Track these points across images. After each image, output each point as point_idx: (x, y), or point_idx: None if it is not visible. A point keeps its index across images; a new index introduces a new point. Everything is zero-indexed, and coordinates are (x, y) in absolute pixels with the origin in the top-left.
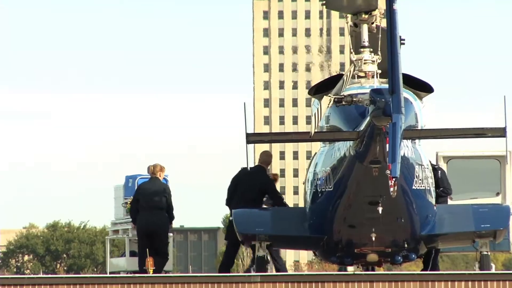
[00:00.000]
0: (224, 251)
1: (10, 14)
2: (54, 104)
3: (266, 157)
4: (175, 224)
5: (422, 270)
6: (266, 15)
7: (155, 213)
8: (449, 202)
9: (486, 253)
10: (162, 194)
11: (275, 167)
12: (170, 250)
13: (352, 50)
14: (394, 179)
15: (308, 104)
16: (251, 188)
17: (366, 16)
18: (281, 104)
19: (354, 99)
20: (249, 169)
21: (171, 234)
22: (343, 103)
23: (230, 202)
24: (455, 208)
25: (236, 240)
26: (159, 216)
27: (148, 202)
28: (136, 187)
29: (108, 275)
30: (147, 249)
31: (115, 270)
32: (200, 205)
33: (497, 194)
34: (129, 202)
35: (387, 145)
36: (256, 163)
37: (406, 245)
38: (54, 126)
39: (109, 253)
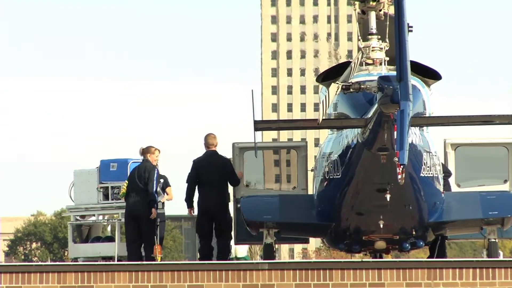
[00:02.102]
0: (200, 246)
1: None
2: (62, 89)
3: (212, 140)
4: (183, 211)
5: (428, 257)
6: (274, 2)
7: (139, 196)
8: (457, 189)
9: (494, 240)
10: (145, 176)
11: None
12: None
13: (360, 37)
14: (402, 166)
15: (316, 91)
16: (215, 172)
17: (374, 3)
18: (289, 92)
19: (362, 86)
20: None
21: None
22: (351, 90)
23: (191, 197)
24: (463, 196)
25: (208, 231)
26: (141, 199)
27: (133, 185)
28: (126, 171)
29: (116, 262)
30: (155, 237)
31: (89, 255)
32: None
33: (505, 181)
34: (124, 186)
35: (395, 132)
36: (206, 149)
37: (414, 233)
38: (56, 115)
39: (72, 238)
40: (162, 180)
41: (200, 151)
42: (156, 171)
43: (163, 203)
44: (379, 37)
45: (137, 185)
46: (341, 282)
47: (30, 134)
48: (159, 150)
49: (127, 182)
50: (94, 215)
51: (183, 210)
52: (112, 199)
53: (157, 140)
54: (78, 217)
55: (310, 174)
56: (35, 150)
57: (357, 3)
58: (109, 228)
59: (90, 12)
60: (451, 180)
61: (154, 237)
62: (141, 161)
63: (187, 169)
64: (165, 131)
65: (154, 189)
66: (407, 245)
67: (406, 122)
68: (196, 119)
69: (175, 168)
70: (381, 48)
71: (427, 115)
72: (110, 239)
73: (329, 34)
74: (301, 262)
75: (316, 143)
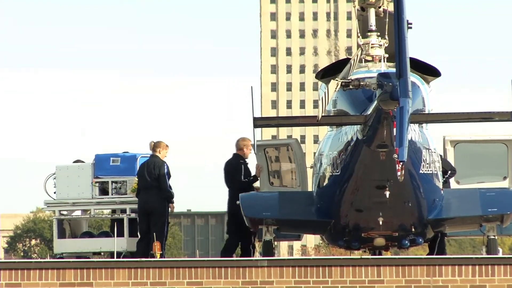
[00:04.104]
0: (227, 240)
1: None
2: (72, 81)
3: (237, 143)
4: (182, 208)
5: (428, 254)
6: None
7: (150, 192)
8: (456, 186)
9: (493, 237)
10: (155, 172)
11: None
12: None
13: (359, 34)
14: (401, 163)
15: (315, 88)
16: (226, 176)
17: (373, 0)
18: (288, 88)
19: (362, 83)
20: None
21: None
22: (350, 87)
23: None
24: (462, 192)
25: (230, 231)
26: (153, 196)
27: (143, 182)
28: (135, 166)
29: (115, 259)
30: (154, 234)
31: (84, 251)
32: (207, 189)
33: (504, 178)
34: (135, 182)
35: (394, 129)
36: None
37: (413, 229)
38: (56, 112)
39: (58, 234)
40: None
41: (199, 150)
42: (166, 166)
43: None
44: (379, 34)
45: (147, 181)
46: (340, 279)
47: (30, 131)
48: (168, 146)
49: (135, 177)
50: (89, 210)
51: (182, 207)
52: (113, 194)
53: (157, 138)
54: (62, 212)
55: (310, 171)
56: (35, 147)
57: (356, 0)
58: (86, 224)
59: (90, 10)
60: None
61: (164, 233)
62: (149, 156)
63: (186, 168)
64: (164, 129)
65: (168, 185)
66: (407, 242)
67: (405, 118)
68: (194, 115)
69: (174, 167)
70: (381, 45)
71: (426, 112)
72: (107, 234)
73: (328, 31)
74: (300, 259)
75: (316, 140)
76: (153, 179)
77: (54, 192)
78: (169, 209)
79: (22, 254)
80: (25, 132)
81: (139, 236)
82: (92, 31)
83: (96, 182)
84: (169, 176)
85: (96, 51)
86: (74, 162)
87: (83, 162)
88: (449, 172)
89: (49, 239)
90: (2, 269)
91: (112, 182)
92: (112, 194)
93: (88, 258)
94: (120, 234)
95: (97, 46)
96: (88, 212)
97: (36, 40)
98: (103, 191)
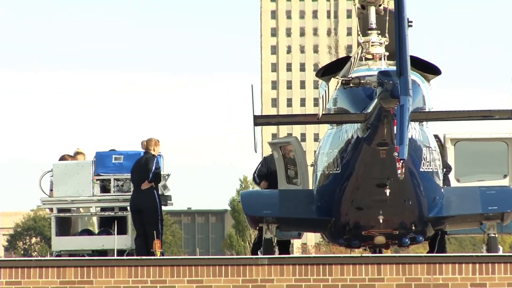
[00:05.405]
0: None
1: None
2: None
3: None
4: (183, 206)
5: (428, 252)
6: None
7: (142, 190)
8: (457, 184)
9: (494, 235)
10: (146, 168)
11: None
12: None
13: (359, 32)
14: (401, 161)
15: (316, 86)
16: None
17: None
18: (289, 86)
19: (362, 81)
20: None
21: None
22: (351, 85)
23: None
24: (463, 190)
25: None
26: (143, 193)
27: (134, 179)
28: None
29: (115, 257)
30: (154, 232)
31: (85, 248)
32: (207, 188)
33: (505, 176)
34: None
35: (395, 127)
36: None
37: (413, 228)
38: (57, 111)
39: (56, 231)
40: (167, 176)
41: (199, 149)
42: (155, 159)
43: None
44: (379, 32)
45: (138, 179)
46: (340, 277)
47: (30, 131)
48: (159, 141)
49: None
50: (90, 207)
51: (182, 206)
52: (115, 192)
53: (157, 137)
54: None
55: (310, 169)
56: (35, 147)
57: None
58: (80, 222)
59: (90, 10)
60: (451, 175)
61: (158, 230)
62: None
63: (186, 167)
64: (164, 129)
65: (152, 171)
66: (407, 240)
67: (406, 117)
68: (194, 115)
69: (175, 166)
70: (381, 43)
71: (426, 110)
72: (108, 232)
73: (329, 29)
74: (301, 257)
75: (316, 138)
76: (143, 176)
77: (51, 190)
78: (155, 208)
79: (22, 252)
80: (25, 132)
81: (136, 234)
82: (92, 31)
83: (97, 180)
84: (158, 168)
85: (96, 51)
86: (60, 159)
87: (71, 156)
88: (445, 169)
89: (50, 237)
90: (2, 267)
91: (115, 179)
92: (114, 192)
93: (83, 256)
94: (123, 232)
95: (97, 46)
96: (90, 209)
97: (36, 40)
98: (104, 188)
